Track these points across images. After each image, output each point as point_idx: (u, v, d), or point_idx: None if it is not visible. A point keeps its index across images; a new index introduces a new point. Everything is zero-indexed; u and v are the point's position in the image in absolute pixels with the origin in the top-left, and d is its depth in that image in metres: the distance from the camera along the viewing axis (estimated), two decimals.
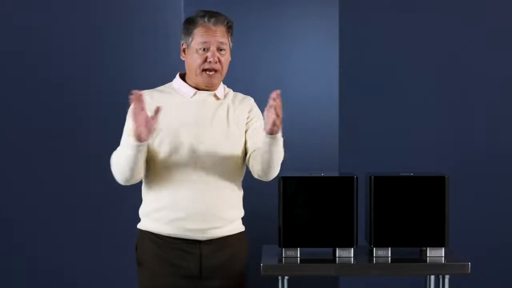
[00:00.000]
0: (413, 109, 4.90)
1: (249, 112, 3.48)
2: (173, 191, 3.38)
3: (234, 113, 3.46)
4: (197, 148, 3.37)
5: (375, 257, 3.56)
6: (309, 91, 4.49)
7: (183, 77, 3.50)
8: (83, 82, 4.75)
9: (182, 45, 3.46)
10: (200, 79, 3.42)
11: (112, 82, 4.75)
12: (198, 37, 3.40)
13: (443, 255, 3.56)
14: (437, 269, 3.51)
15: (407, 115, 4.90)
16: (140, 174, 3.37)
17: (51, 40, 4.75)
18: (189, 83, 3.46)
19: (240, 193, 3.51)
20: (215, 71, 3.39)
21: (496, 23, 4.90)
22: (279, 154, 3.35)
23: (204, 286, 3.41)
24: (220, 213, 3.41)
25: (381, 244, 3.57)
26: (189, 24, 3.44)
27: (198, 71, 3.41)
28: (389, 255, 3.57)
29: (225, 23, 3.42)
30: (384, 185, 3.56)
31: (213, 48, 3.39)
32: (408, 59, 4.89)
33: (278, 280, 3.47)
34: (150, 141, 3.32)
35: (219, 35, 3.40)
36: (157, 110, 3.21)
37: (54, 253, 4.76)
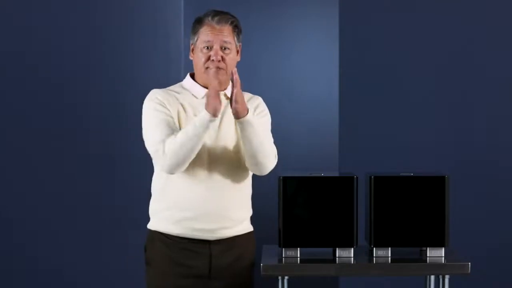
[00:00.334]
0: (413, 109, 4.90)
1: (255, 110, 3.47)
2: (182, 190, 3.38)
3: None
4: (207, 147, 3.37)
5: (375, 257, 3.56)
6: (309, 91, 4.49)
7: (193, 77, 3.50)
8: (83, 82, 4.75)
9: (191, 44, 3.46)
10: (206, 78, 3.42)
11: (112, 82, 4.75)
12: (202, 36, 3.40)
13: (443, 255, 3.56)
14: (437, 269, 3.51)
15: (407, 115, 4.90)
16: None
17: (51, 40, 4.75)
18: (199, 82, 3.46)
19: (249, 193, 3.52)
20: (219, 69, 3.38)
21: (496, 23, 4.90)
22: (256, 139, 3.33)
23: (212, 286, 3.42)
24: (229, 213, 3.41)
25: (381, 244, 3.56)
26: (196, 23, 3.45)
27: (203, 69, 3.41)
28: (389, 255, 3.56)
29: (230, 22, 3.42)
30: (384, 185, 3.56)
31: (216, 46, 3.39)
32: (408, 59, 4.89)
33: (278, 280, 3.46)
34: None
35: (224, 34, 3.39)
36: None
37: (54, 253, 4.76)
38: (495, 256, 4.88)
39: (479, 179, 4.89)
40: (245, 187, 3.48)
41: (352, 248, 3.54)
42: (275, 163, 3.46)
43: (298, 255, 3.54)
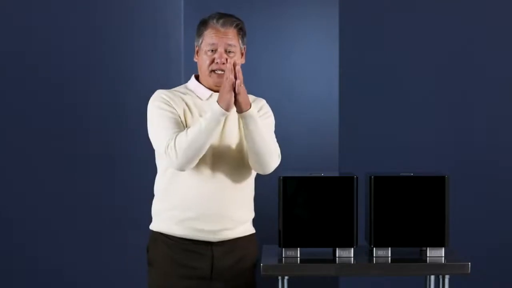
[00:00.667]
0: (413, 109, 4.90)
1: (258, 111, 3.47)
2: (186, 189, 3.38)
3: None
4: (211, 147, 3.37)
5: (375, 257, 3.56)
6: (309, 91, 4.49)
7: (197, 78, 3.51)
8: (83, 82, 4.75)
9: (196, 47, 3.46)
10: (210, 81, 3.42)
11: (112, 82, 4.75)
12: (207, 39, 3.40)
13: (443, 255, 3.56)
14: (437, 269, 3.51)
15: (407, 115, 4.90)
16: None
17: (51, 40, 4.75)
18: (204, 84, 3.47)
19: (251, 194, 3.52)
20: (223, 71, 3.38)
21: (496, 23, 4.90)
22: (259, 136, 3.33)
23: (214, 287, 3.42)
24: (230, 213, 3.41)
25: (381, 244, 3.56)
26: (201, 25, 3.45)
27: (207, 72, 3.42)
28: (389, 255, 3.56)
29: (235, 25, 3.42)
30: (384, 185, 3.56)
31: (220, 49, 3.39)
32: (408, 59, 4.89)
33: (278, 280, 3.47)
34: None
35: (228, 37, 3.39)
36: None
37: (54, 253, 4.76)
38: (495, 256, 4.88)
39: (479, 179, 4.89)
40: (248, 188, 3.48)
41: (352, 248, 3.54)
42: (279, 162, 3.46)
43: (298, 255, 3.54)
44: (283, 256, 3.54)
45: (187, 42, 4.25)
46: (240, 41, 3.44)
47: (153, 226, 3.49)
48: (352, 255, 3.54)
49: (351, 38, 4.77)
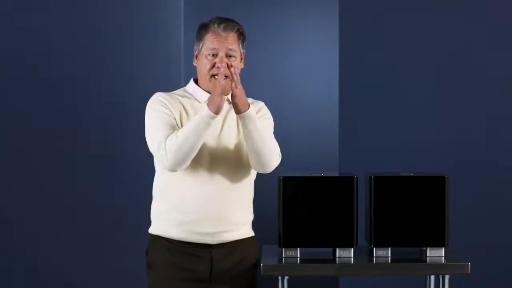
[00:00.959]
0: (413, 109, 4.90)
1: (256, 113, 3.46)
2: (184, 190, 3.38)
3: None
4: (209, 149, 3.37)
5: (375, 257, 3.56)
6: (309, 91, 4.48)
7: (196, 82, 3.51)
8: (83, 82, 4.75)
9: (195, 51, 3.46)
10: (210, 85, 3.42)
11: (112, 82, 4.75)
12: (208, 43, 3.40)
13: (443, 255, 3.56)
14: (437, 269, 3.51)
15: (407, 115, 4.90)
16: None
17: (51, 40, 4.75)
18: (203, 88, 3.47)
19: (250, 195, 3.51)
20: (225, 76, 3.37)
21: (496, 23, 4.90)
22: (258, 136, 3.33)
23: None
24: (229, 214, 3.41)
25: (381, 244, 3.56)
26: (201, 30, 3.45)
27: (207, 77, 3.41)
28: (389, 255, 3.57)
29: (236, 29, 3.41)
30: (384, 185, 3.56)
31: (221, 54, 3.38)
32: (408, 59, 4.89)
33: (278, 280, 3.47)
34: None
35: (229, 42, 3.39)
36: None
37: (54, 253, 4.76)
38: (495, 256, 4.88)
39: (479, 179, 4.89)
40: (246, 189, 3.48)
41: (352, 248, 3.54)
42: (279, 161, 3.46)
43: (298, 255, 3.54)
44: (283, 256, 3.54)
45: (187, 42, 4.25)
46: (240, 46, 3.44)
47: (152, 229, 3.49)
48: (352, 255, 3.54)
49: (351, 38, 4.77)
